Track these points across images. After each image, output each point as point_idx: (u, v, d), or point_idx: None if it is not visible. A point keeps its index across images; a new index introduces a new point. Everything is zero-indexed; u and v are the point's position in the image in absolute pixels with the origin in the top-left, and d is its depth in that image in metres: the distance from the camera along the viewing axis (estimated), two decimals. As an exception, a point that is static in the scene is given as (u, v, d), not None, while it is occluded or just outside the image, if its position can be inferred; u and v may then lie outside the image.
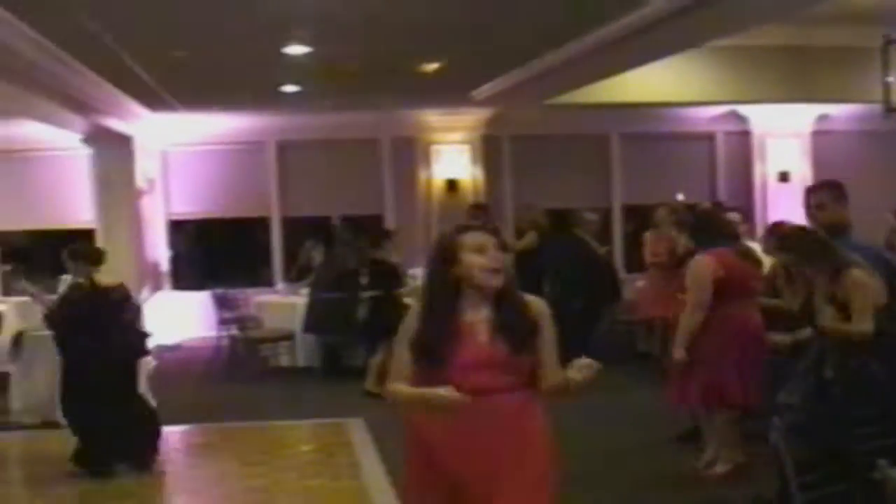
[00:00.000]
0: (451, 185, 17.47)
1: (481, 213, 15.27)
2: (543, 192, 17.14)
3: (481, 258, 4.54)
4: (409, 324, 4.56)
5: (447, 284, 4.56)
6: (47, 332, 11.29)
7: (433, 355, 4.44)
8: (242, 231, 18.49)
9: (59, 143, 15.96)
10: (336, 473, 8.97)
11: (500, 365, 4.43)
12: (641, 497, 7.98)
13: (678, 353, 7.98)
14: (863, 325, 6.23)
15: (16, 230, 17.32)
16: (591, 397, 4.90)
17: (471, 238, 4.60)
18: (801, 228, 7.29)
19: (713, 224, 8.61)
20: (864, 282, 6.35)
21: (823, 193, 7.28)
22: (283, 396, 12.76)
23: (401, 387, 4.50)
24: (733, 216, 10.34)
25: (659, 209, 13.01)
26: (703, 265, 8.04)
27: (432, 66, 12.03)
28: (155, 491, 9.03)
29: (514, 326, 4.47)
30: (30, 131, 15.36)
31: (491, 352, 4.42)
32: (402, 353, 4.54)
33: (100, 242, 15.25)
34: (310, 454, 10.17)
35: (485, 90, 14.19)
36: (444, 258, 4.60)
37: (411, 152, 17.62)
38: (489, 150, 17.65)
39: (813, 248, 6.64)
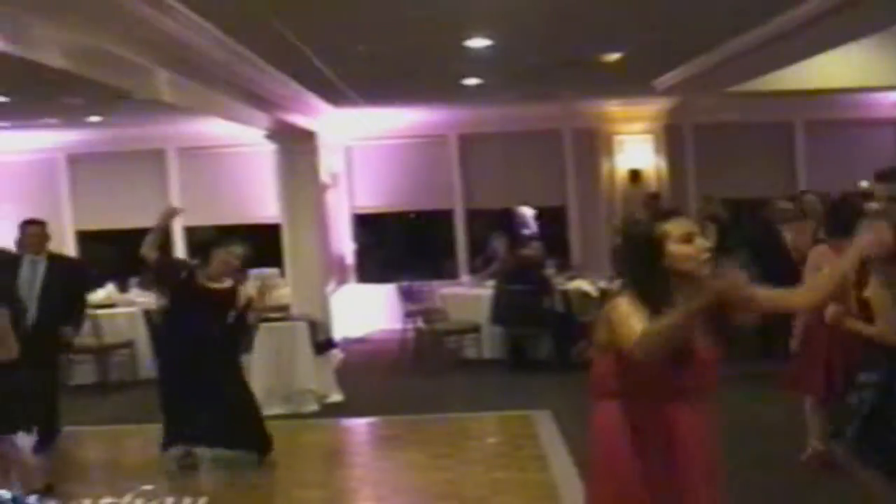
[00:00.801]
0: (634, 175, 17.35)
1: (655, 203, 15.16)
2: (726, 181, 16.93)
3: (690, 248, 4.36)
4: (630, 323, 4.24)
5: (660, 278, 4.36)
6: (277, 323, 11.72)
7: (679, 355, 4.21)
8: (426, 224, 18.64)
9: (244, 139, 16.30)
10: (523, 465, 8.97)
11: (707, 366, 4.33)
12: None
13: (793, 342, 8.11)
14: None
15: (203, 225, 17.71)
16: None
17: (676, 227, 4.41)
18: None
19: (842, 213, 8.35)
20: None
21: None
22: (468, 388, 12.82)
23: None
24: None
25: (806, 196, 12.66)
26: (815, 254, 7.96)
27: (614, 57, 11.95)
28: (344, 482, 9.18)
29: (719, 322, 4.29)
30: (216, 128, 15.72)
31: (708, 347, 4.31)
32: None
33: (285, 237, 15.56)
34: (496, 446, 10.17)
35: (667, 79, 14.03)
36: (650, 250, 4.40)
37: (593, 143, 17.56)
38: (671, 140, 17.48)
39: None
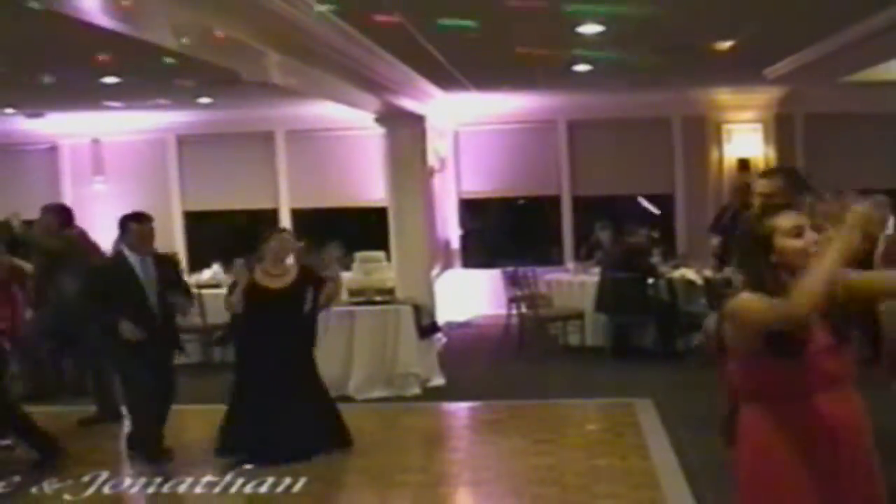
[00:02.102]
0: (743, 164, 17.17)
1: (747, 191, 14.98)
2: (837, 172, 16.69)
3: (799, 242, 4.25)
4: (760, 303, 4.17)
5: (771, 273, 4.24)
6: (341, 308, 11.71)
7: (792, 346, 4.13)
8: (533, 209, 18.60)
9: (352, 122, 16.39)
10: (624, 453, 8.94)
11: (837, 352, 4.19)
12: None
13: None
14: None
15: (312, 207, 17.84)
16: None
17: (785, 220, 4.30)
18: None
19: None
20: None
21: None
22: (571, 375, 12.80)
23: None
24: None
25: None
26: None
27: (725, 45, 11.84)
28: (444, 466, 9.20)
29: (831, 313, 4.17)
30: (324, 111, 15.79)
31: (827, 338, 4.17)
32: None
33: (392, 221, 15.62)
34: (598, 433, 10.15)
35: (778, 68, 13.88)
36: (760, 246, 4.31)
37: (702, 131, 17.40)
38: (782, 129, 17.27)
39: None
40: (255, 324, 9.09)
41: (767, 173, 8.22)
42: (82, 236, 12.13)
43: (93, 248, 12.12)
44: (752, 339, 4.20)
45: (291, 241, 9.58)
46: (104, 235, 14.60)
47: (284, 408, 9.02)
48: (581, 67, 13.27)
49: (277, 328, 9.01)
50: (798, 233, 4.24)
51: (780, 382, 4.22)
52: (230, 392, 9.28)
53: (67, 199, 17.41)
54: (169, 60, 9.67)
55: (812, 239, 4.22)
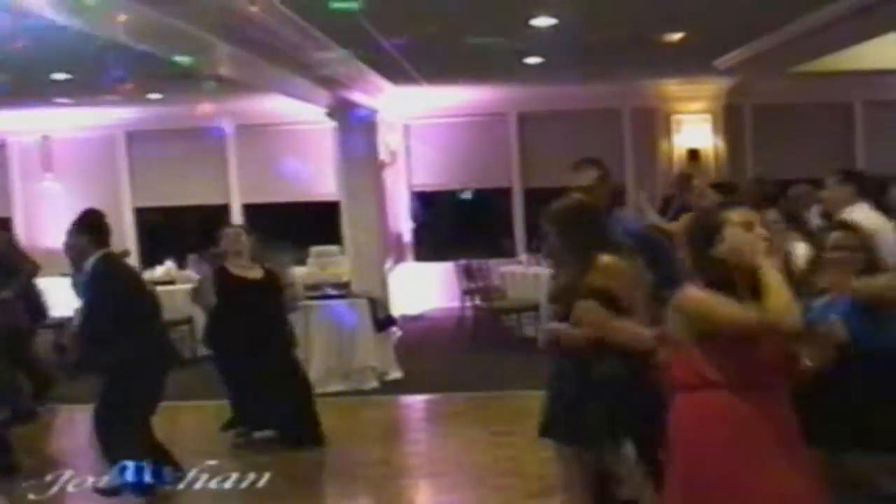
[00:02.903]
0: (693, 154, 17.29)
1: (687, 183, 15.12)
2: (786, 162, 16.84)
3: (749, 235, 4.39)
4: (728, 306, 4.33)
5: (718, 264, 4.39)
6: (315, 302, 11.74)
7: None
8: (484, 202, 18.62)
9: (303, 116, 16.36)
10: (581, 444, 8.98)
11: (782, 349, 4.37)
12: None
13: None
14: None
15: (264, 203, 17.79)
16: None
17: (738, 214, 4.44)
18: None
19: None
20: None
21: None
22: (527, 367, 12.79)
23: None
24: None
25: None
26: None
27: (676, 36, 11.91)
28: (404, 459, 9.23)
29: None
30: (275, 105, 15.76)
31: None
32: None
33: (344, 215, 15.63)
34: (556, 424, 10.18)
35: (728, 59, 13.98)
36: (710, 237, 4.43)
37: (652, 122, 17.51)
38: (731, 120, 17.40)
39: None
40: (238, 310, 9.14)
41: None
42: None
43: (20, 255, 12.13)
44: (708, 331, 4.33)
45: (243, 235, 9.61)
46: (53, 232, 14.55)
47: (270, 395, 9.15)
48: (532, 60, 13.31)
49: (259, 315, 9.12)
50: (748, 226, 4.38)
51: (731, 372, 4.33)
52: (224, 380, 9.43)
53: (16, 197, 17.34)
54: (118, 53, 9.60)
55: (760, 234, 4.38)
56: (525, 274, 14.78)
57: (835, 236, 5.96)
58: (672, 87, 17.01)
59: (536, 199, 17.70)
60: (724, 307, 4.29)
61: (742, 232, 4.37)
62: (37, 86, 13.22)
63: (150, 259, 16.61)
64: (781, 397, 4.45)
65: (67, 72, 12.13)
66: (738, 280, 4.36)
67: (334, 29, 10.77)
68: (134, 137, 17.81)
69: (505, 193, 17.97)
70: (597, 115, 17.52)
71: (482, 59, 13.01)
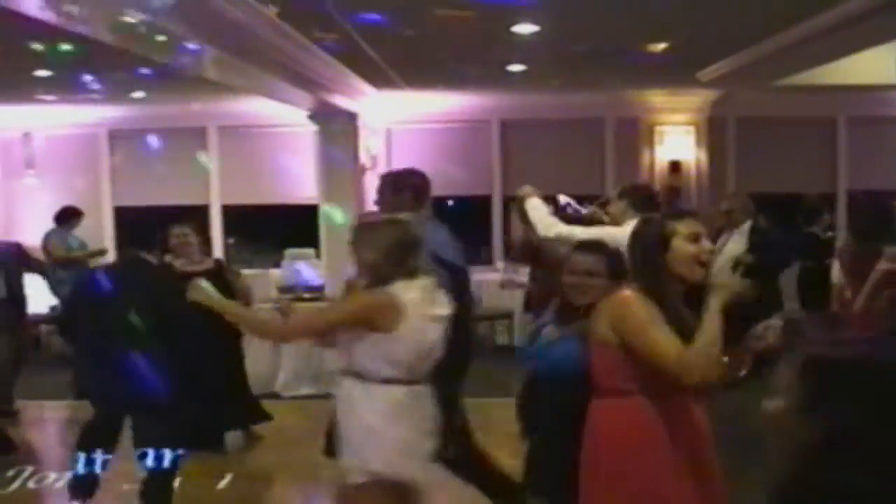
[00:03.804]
0: (674, 166, 17.28)
1: (673, 196, 15.21)
2: (768, 176, 16.87)
3: (694, 247, 4.54)
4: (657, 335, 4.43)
5: (663, 274, 4.54)
6: (269, 305, 11.67)
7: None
8: (462, 209, 18.59)
9: (284, 119, 16.36)
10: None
11: None
12: None
13: None
14: None
15: (244, 204, 17.75)
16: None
17: (686, 226, 4.57)
18: None
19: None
20: None
21: None
22: (500, 375, 12.78)
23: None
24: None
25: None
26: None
27: (659, 47, 11.91)
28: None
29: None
30: (257, 107, 15.74)
31: None
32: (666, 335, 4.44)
33: (322, 218, 15.61)
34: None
35: (711, 71, 13.98)
36: (658, 245, 4.56)
37: (635, 133, 17.48)
38: (714, 132, 17.39)
39: None
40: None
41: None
42: None
43: None
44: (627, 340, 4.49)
45: (191, 234, 9.59)
46: (35, 229, 14.52)
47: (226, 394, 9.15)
48: (515, 67, 13.31)
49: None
50: (695, 239, 4.54)
51: (651, 379, 4.43)
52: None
53: (-3, 193, 17.30)
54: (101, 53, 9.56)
55: (706, 248, 4.58)
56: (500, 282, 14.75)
57: (573, 259, 5.50)
58: (655, 98, 16.99)
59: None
60: (652, 329, 4.42)
61: (688, 244, 4.53)
62: (19, 82, 13.20)
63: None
64: (698, 403, 4.61)
65: (50, 69, 12.09)
66: (672, 291, 4.53)
67: (315, 31, 10.77)
68: (116, 136, 17.75)
69: (484, 201, 17.95)
70: (579, 125, 17.50)
71: (464, 65, 13.01)
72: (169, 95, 14.98)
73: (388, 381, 5.34)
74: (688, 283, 4.59)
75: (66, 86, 13.56)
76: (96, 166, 17.75)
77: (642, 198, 8.15)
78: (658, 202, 8.43)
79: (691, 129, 17.33)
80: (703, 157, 17.33)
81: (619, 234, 7.14)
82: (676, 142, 17.32)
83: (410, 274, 5.40)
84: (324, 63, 12.50)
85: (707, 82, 14.66)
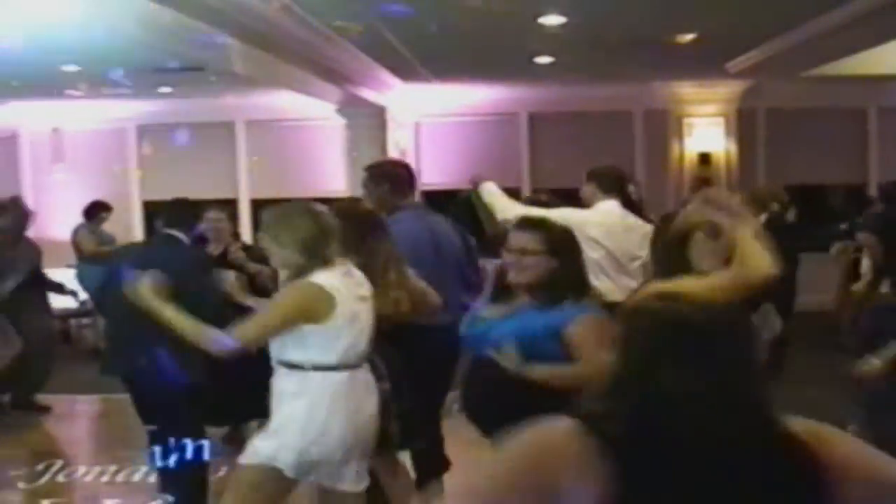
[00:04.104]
0: (704, 158, 17.21)
1: (701, 187, 15.14)
2: (799, 167, 16.80)
3: (714, 243, 4.57)
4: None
5: (685, 269, 4.56)
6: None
7: None
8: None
9: (313, 113, 16.38)
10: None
11: None
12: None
13: None
14: None
15: (271, 198, 17.76)
16: None
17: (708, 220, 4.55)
18: None
19: None
20: None
21: None
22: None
23: None
24: None
25: None
26: None
27: (687, 38, 11.86)
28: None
29: None
30: (286, 101, 15.74)
31: None
32: None
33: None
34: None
35: (740, 62, 13.92)
36: (679, 238, 4.65)
37: (664, 125, 17.42)
38: (743, 124, 17.31)
39: None
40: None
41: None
42: None
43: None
44: None
45: (225, 221, 9.51)
46: (64, 224, 14.55)
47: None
48: (543, 59, 13.28)
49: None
50: (716, 234, 4.56)
51: None
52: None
53: (27, 188, 17.34)
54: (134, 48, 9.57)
55: (726, 246, 4.50)
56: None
57: (510, 236, 5.23)
58: (684, 89, 16.93)
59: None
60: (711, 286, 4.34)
61: (709, 239, 4.59)
62: (48, 78, 13.22)
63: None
64: None
65: (78, 64, 12.11)
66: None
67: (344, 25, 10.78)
68: (144, 131, 17.79)
69: (513, 193, 17.85)
70: (608, 117, 17.47)
71: (491, 58, 12.99)
72: (197, 90, 15.00)
73: (320, 367, 5.24)
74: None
75: (94, 81, 13.57)
76: (125, 161, 17.79)
77: (609, 179, 8.19)
78: (625, 183, 8.45)
79: (721, 120, 17.25)
80: (733, 148, 17.26)
81: (577, 215, 7.21)
82: (706, 133, 17.25)
83: (326, 262, 5.30)
84: (351, 56, 12.50)
85: (736, 73, 14.61)
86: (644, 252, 7.44)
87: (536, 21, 10.61)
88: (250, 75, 11.38)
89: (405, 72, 14.22)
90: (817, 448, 2.56)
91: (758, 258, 4.29)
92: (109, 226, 15.18)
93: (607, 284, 7.19)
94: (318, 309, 5.17)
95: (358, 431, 5.33)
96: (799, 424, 2.62)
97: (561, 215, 6.44)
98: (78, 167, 17.61)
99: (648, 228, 7.52)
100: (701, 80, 16.32)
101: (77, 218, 14.85)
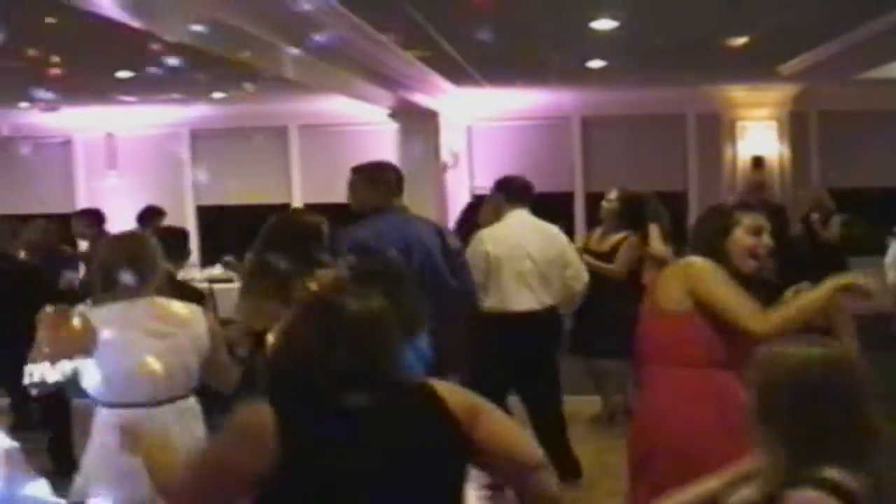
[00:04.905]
0: (757, 162, 17.13)
1: (758, 190, 15.16)
2: (852, 170, 16.68)
3: (752, 240, 4.73)
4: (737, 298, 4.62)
5: (721, 257, 4.72)
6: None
7: None
8: (545, 206, 18.54)
9: (365, 117, 16.44)
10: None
11: None
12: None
13: None
14: None
15: (323, 203, 17.81)
16: None
17: (750, 219, 4.75)
18: None
19: None
20: None
21: None
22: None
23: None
24: None
25: None
26: None
27: (740, 41, 11.81)
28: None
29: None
30: (338, 106, 15.81)
31: None
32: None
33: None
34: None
35: (793, 65, 13.85)
36: (718, 227, 4.77)
37: (716, 128, 17.35)
38: (796, 127, 17.22)
39: None
40: None
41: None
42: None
43: None
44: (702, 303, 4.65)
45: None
46: (118, 229, 14.60)
47: None
48: (595, 63, 13.26)
49: None
50: (756, 232, 4.74)
51: (737, 353, 4.42)
52: None
53: (81, 194, 17.51)
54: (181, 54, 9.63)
55: (765, 242, 4.77)
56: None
57: None
58: (737, 92, 16.87)
59: (598, 203, 17.65)
60: (726, 287, 4.62)
61: (748, 235, 4.72)
62: (101, 84, 13.33)
63: (211, 257, 16.69)
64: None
65: (131, 70, 12.20)
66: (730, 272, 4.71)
67: (395, 29, 10.79)
68: (197, 136, 17.91)
69: (567, 198, 17.88)
70: (660, 120, 17.40)
71: (544, 62, 12.98)
72: (249, 95, 15.07)
73: (104, 404, 5.04)
74: (739, 274, 4.72)
75: (147, 86, 13.66)
76: (178, 166, 17.91)
77: (515, 190, 8.59)
78: (530, 192, 8.77)
79: (773, 123, 17.19)
80: (786, 151, 17.19)
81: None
82: (758, 137, 17.19)
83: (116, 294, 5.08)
84: (403, 61, 12.53)
85: (788, 76, 14.54)
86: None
87: (588, 25, 10.60)
88: (302, 80, 11.43)
89: (457, 76, 14.24)
90: (460, 415, 3.18)
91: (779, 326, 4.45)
92: (164, 231, 15.28)
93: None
94: (84, 339, 4.89)
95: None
96: (447, 391, 3.25)
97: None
98: (131, 172, 17.74)
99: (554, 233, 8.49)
100: (753, 83, 16.25)
101: (131, 223, 14.94)
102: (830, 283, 4.54)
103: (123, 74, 12.44)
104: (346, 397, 3.04)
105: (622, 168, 17.37)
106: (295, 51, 9.66)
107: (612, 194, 10.47)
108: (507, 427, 3.38)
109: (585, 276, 8.60)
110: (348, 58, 11.04)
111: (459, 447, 3.18)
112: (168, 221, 14.65)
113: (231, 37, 8.59)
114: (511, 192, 8.54)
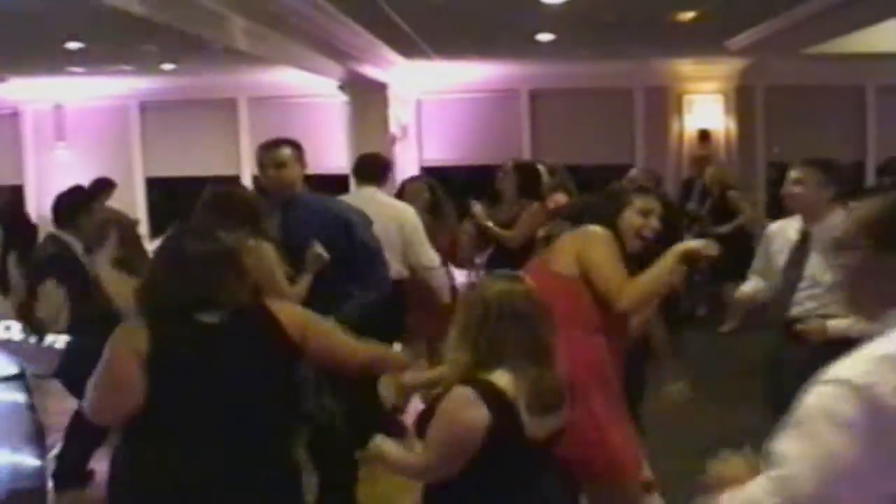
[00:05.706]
0: (703, 135, 17.24)
1: (703, 164, 15.34)
2: (798, 144, 16.80)
3: (639, 220, 5.04)
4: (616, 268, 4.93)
5: (608, 228, 5.00)
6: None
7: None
8: (492, 178, 18.58)
9: (315, 90, 16.45)
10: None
11: None
12: None
13: None
14: None
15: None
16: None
17: (642, 201, 5.09)
18: None
19: None
20: None
21: None
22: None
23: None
24: None
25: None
26: None
27: (688, 15, 11.89)
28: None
29: None
30: (287, 78, 15.79)
31: None
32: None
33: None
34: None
35: (740, 39, 13.94)
36: (612, 205, 5.10)
37: (663, 102, 17.47)
38: (743, 101, 17.35)
39: None
40: None
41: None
42: None
43: None
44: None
45: None
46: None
47: None
48: (544, 37, 13.31)
49: None
50: (645, 214, 5.07)
51: (603, 316, 4.97)
52: None
53: (29, 165, 17.42)
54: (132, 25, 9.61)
55: (652, 225, 5.07)
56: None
57: None
58: (684, 66, 16.97)
59: (546, 176, 17.72)
60: (611, 261, 4.89)
61: (637, 216, 5.05)
62: (50, 54, 13.27)
63: (159, 229, 16.66)
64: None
65: (81, 41, 12.16)
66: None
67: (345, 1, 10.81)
68: (147, 108, 17.86)
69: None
70: (608, 94, 17.51)
71: (493, 35, 13.03)
72: (199, 67, 15.03)
73: None
74: (625, 252, 4.99)
75: (96, 58, 13.62)
76: (127, 138, 17.86)
77: (368, 169, 8.97)
78: (378, 170, 9.01)
79: (720, 97, 17.31)
80: (733, 125, 17.31)
81: None
82: (705, 111, 17.30)
83: None
84: (353, 32, 12.53)
85: (736, 51, 14.63)
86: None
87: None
88: (252, 51, 11.42)
89: (407, 48, 14.24)
90: (289, 327, 4.13)
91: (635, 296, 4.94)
92: (113, 202, 15.21)
93: None
94: None
95: None
96: (279, 309, 4.23)
97: None
98: (80, 144, 17.67)
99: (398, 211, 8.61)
100: (701, 57, 16.34)
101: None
102: (671, 253, 4.83)
103: (73, 45, 12.38)
104: (194, 316, 4.00)
105: (570, 141, 17.47)
106: (245, 21, 9.66)
107: (508, 165, 10.51)
108: (331, 334, 4.40)
109: (430, 257, 8.64)
110: (298, 29, 11.04)
111: (286, 349, 4.12)
112: (117, 193, 14.59)
113: (181, 7, 8.59)
114: (357, 170, 8.65)
